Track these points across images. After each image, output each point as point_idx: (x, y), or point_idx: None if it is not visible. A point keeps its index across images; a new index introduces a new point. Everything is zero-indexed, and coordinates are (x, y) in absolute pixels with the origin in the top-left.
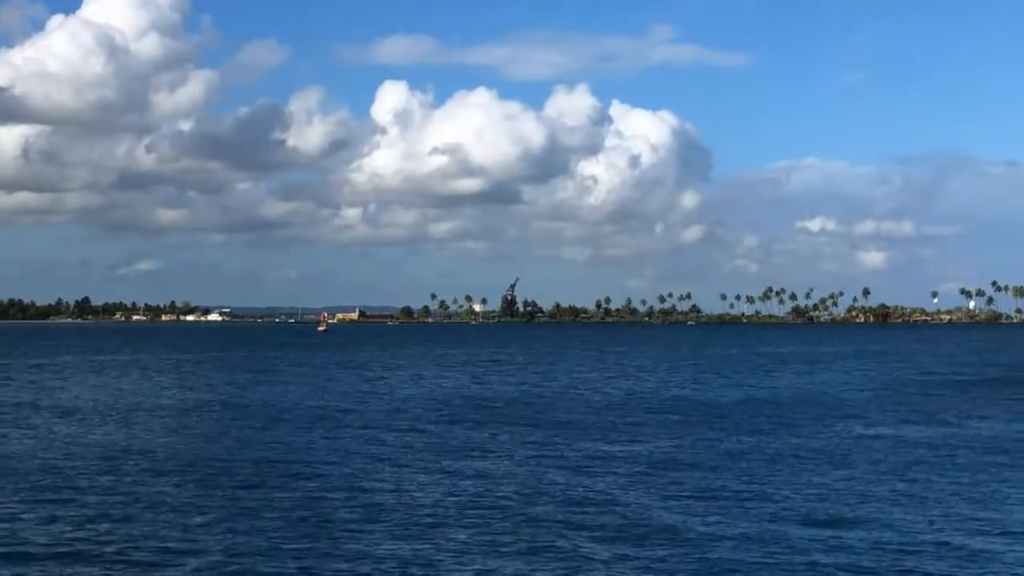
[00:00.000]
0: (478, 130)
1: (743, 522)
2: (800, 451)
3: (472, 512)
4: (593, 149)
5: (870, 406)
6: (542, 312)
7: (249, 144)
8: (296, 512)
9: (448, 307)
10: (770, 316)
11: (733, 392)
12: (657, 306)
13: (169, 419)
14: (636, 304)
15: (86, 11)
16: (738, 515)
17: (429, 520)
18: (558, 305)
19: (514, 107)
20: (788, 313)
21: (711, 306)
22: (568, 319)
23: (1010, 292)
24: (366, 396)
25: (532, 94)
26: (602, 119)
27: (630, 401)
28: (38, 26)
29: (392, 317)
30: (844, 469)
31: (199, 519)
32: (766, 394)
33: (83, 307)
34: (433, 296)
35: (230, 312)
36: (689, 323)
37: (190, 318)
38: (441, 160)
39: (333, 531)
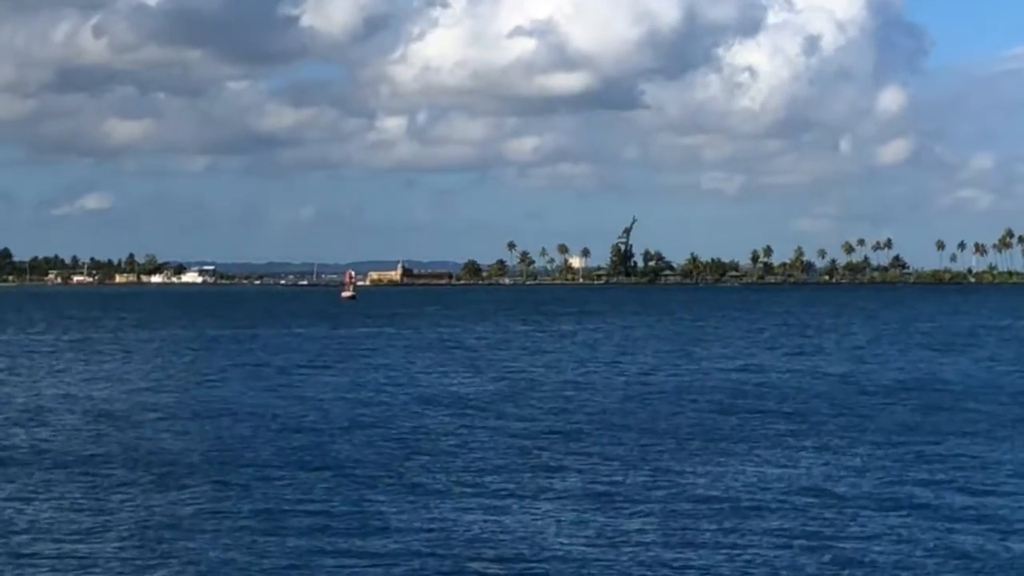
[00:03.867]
0: (579, 1)
1: None
2: None
3: None
4: (749, 28)
5: None
6: (671, 269)
7: (245, 24)
8: None
9: (533, 262)
10: (1010, 273)
11: None
12: (842, 259)
13: None
14: (811, 256)
15: None
16: None
17: None
18: (694, 258)
19: None
20: None
21: (921, 258)
22: (710, 278)
23: None
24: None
25: None
26: None
27: None
28: None
29: (450, 276)
30: None
31: None
32: None
33: (1, 264)
34: (511, 246)
35: (215, 270)
36: (888, 283)
37: (156, 279)
38: (525, 45)
39: None
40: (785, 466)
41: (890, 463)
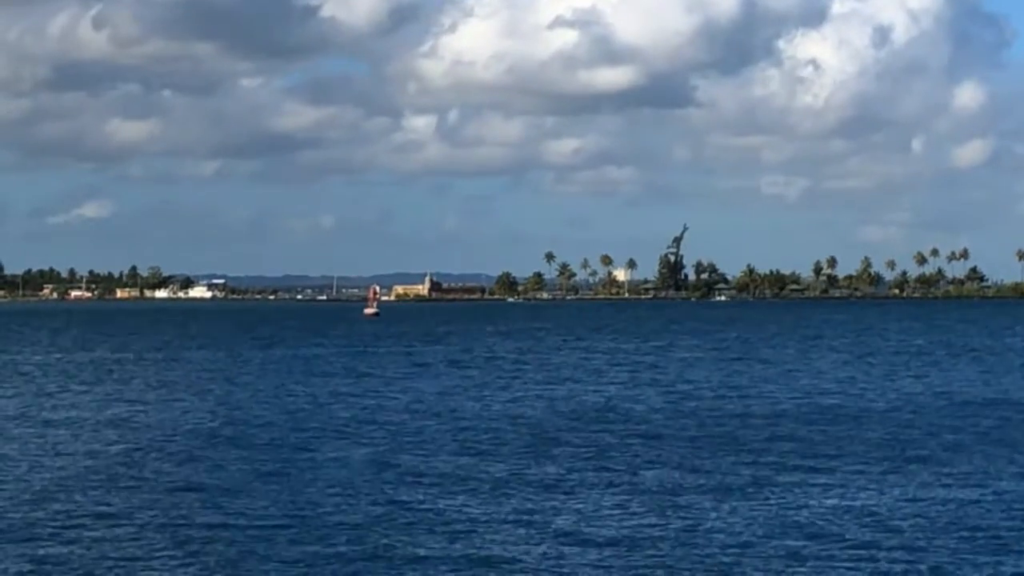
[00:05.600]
0: None
1: None
2: None
3: None
4: (813, 18)
5: None
6: (725, 282)
7: (259, 15)
8: None
9: (574, 274)
10: None
11: None
12: (913, 271)
13: None
14: (879, 268)
15: None
16: None
17: None
18: (751, 270)
19: None
20: None
21: (1001, 270)
22: (769, 292)
23: None
24: None
25: None
26: None
27: None
28: None
29: (483, 291)
30: None
31: None
32: None
33: None
34: (550, 257)
35: (225, 284)
36: (964, 297)
37: (161, 294)
38: (567, 37)
39: None
40: None
41: None
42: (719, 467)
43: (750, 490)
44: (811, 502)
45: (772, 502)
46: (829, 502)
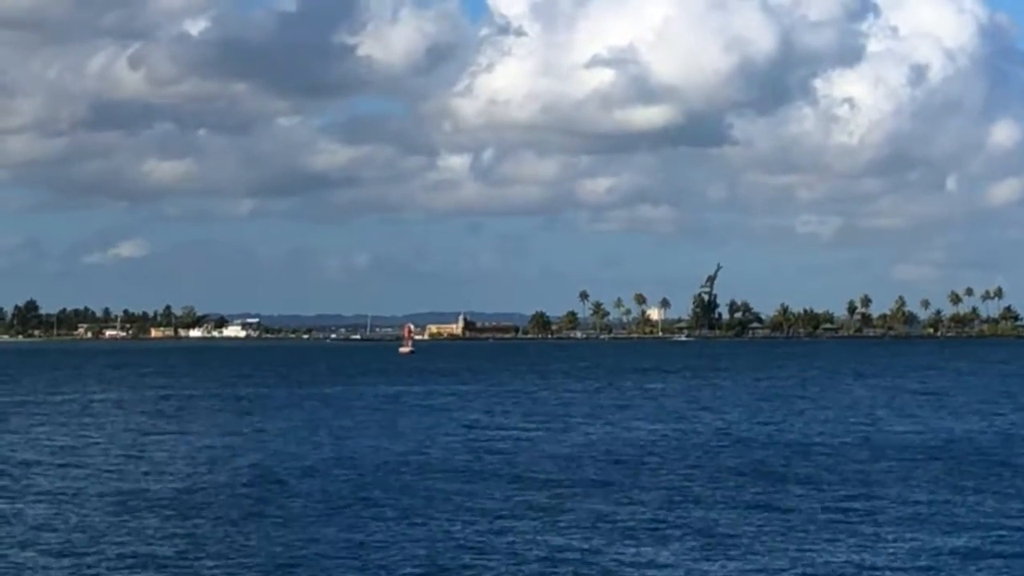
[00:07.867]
0: (662, 28)
1: None
2: None
3: None
4: (849, 56)
5: None
6: (759, 321)
7: (296, 54)
8: None
9: (607, 313)
10: None
11: None
12: (947, 310)
13: None
14: (913, 306)
15: None
16: None
17: None
18: (785, 309)
19: None
20: None
21: None
22: (802, 331)
23: None
24: None
25: None
26: (863, 9)
27: None
28: None
29: (517, 330)
30: None
31: None
32: None
33: (26, 317)
34: (583, 296)
35: (259, 324)
36: (998, 336)
37: (195, 333)
38: (603, 76)
39: None
40: None
41: None
42: None
43: None
44: None
45: None
46: None
